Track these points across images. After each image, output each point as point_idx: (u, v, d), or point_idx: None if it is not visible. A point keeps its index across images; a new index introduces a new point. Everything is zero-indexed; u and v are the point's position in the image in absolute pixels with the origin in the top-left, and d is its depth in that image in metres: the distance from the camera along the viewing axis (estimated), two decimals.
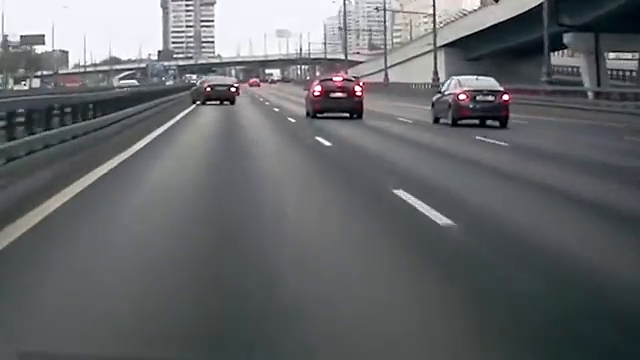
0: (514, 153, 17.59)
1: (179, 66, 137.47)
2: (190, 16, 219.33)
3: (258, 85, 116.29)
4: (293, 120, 30.08)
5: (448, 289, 5.65)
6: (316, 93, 30.47)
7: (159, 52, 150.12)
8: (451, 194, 10.56)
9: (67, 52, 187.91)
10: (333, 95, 30.17)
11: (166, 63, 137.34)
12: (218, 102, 43.99)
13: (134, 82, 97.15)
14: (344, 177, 12.78)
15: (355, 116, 29.92)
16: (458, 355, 4.32)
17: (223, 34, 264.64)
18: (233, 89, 46.25)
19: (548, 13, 46.90)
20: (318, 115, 29.93)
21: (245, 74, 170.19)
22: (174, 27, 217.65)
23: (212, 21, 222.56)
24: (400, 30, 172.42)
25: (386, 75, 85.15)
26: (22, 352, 2.57)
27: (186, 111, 36.58)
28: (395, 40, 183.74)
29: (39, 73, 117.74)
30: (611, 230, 8.29)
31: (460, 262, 6.42)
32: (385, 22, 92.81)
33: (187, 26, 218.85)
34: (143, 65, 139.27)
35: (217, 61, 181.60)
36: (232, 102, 44.15)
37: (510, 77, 49.91)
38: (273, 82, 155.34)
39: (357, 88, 30.91)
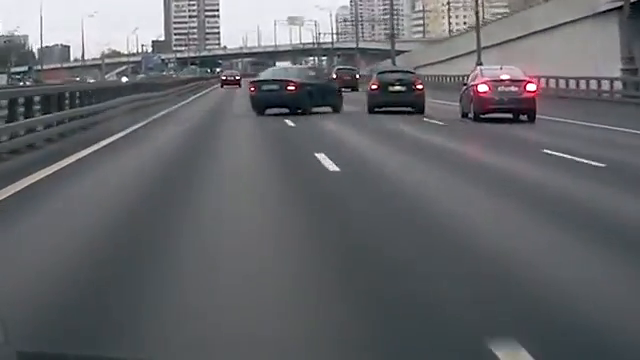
0: None
1: (178, 59, 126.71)
2: (193, 6, 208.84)
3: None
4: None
5: None
6: (373, 87, 29.10)
7: (153, 42, 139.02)
8: None
9: (68, 47, 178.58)
10: (392, 89, 28.69)
11: (164, 56, 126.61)
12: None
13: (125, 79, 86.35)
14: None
15: (416, 110, 28.07)
16: None
17: (229, 25, 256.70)
18: (292, 87, 27.97)
19: None
20: (376, 110, 28.48)
21: (253, 67, 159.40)
22: (176, 18, 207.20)
23: (217, 10, 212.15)
24: (429, 17, 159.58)
25: (479, 62, 52.53)
26: (22, 352, 2.28)
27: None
28: (415, 30, 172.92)
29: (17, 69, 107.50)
30: None
31: None
32: None
33: (190, 17, 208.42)
34: (139, 59, 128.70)
35: (221, 53, 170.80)
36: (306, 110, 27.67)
37: None
38: None
39: (418, 80, 29.74)
